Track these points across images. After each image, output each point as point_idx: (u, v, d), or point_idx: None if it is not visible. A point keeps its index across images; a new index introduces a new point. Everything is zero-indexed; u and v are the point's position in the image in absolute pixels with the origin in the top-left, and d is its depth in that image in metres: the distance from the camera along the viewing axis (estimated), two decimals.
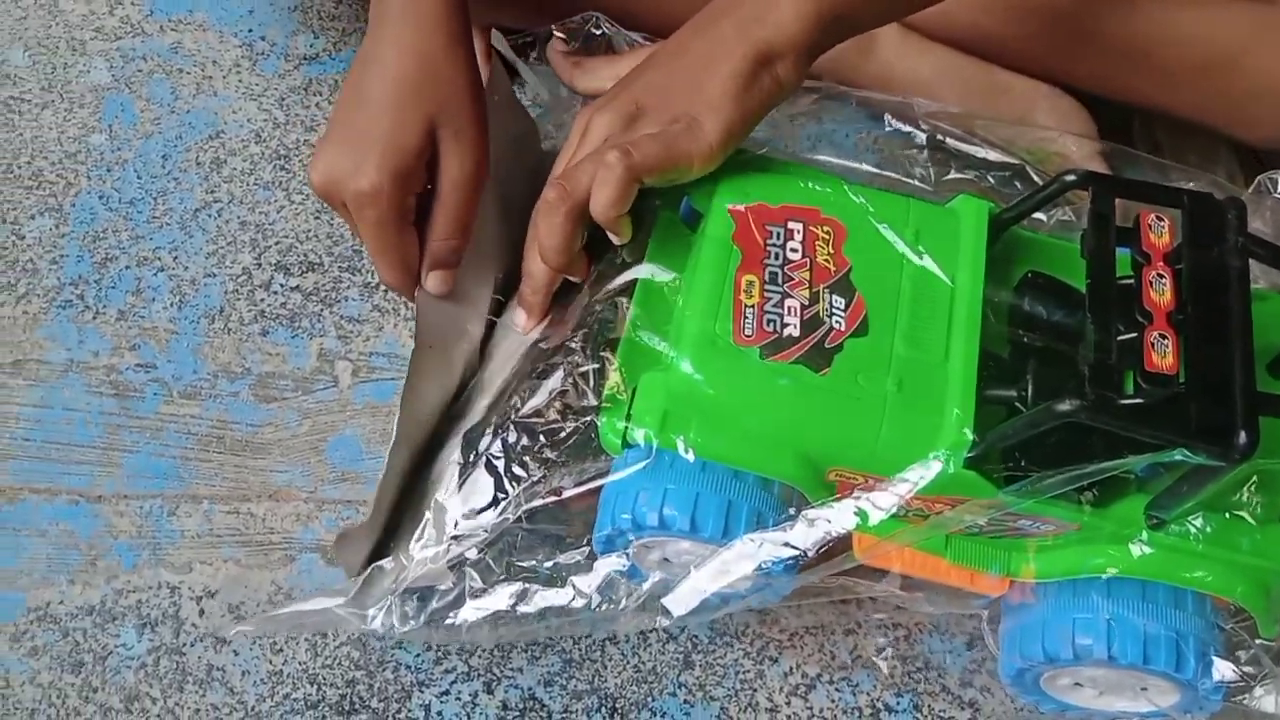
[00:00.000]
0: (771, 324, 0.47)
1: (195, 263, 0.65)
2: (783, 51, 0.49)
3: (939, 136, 0.60)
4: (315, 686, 0.54)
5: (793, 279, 0.48)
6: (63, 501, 0.58)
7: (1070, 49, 0.63)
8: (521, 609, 0.48)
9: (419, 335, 0.52)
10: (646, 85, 0.50)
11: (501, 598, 0.48)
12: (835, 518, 0.46)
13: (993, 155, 0.59)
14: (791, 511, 0.47)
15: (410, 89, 0.49)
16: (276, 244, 0.66)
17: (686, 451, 0.46)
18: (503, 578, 0.49)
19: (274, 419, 0.61)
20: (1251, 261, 0.46)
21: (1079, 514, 0.46)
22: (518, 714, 0.54)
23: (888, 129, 0.63)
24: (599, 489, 0.48)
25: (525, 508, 0.48)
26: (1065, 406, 0.42)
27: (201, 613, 0.56)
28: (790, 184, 0.52)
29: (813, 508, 0.47)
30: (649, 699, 0.55)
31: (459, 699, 0.54)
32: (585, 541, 0.50)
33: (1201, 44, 0.60)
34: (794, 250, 0.49)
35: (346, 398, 0.62)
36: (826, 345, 0.47)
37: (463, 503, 0.49)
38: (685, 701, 0.55)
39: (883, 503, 0.46)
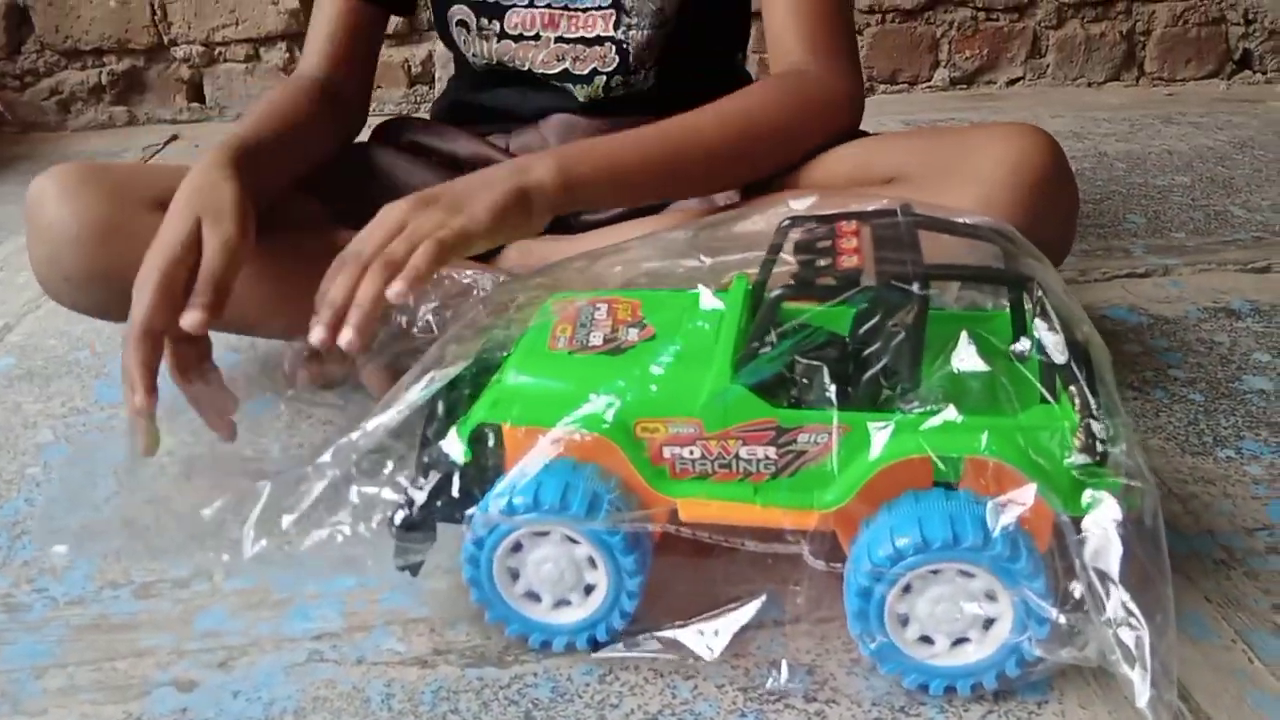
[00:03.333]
0: (579, 340, 0.61)
1: None
2: (535, 198, 0.69)
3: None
4: None
5: (597, 324, 0.63)
6: None
7: None
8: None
9: None
10: (437, 190, 0.70)
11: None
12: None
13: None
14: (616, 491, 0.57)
15: (184, 198, 0.72)
16: None
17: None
18: None
19: (150, 610, 0.66)
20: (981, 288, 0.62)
21: (830, 415, 0.56)
22: None
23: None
24: None
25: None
26: (779, 293, 0.55)
27: None
28: (602, 292, 0.68)
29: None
30: None
31: None
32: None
33: None
34: (600, 313, 0.64)
35: (218, 589, 0.68)
36: (621, 347, 0.61)
37: None
38: None
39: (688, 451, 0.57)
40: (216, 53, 1.88)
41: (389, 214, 0.69)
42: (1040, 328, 0.56)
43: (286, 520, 0.58)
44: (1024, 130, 0.75)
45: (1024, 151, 0.73)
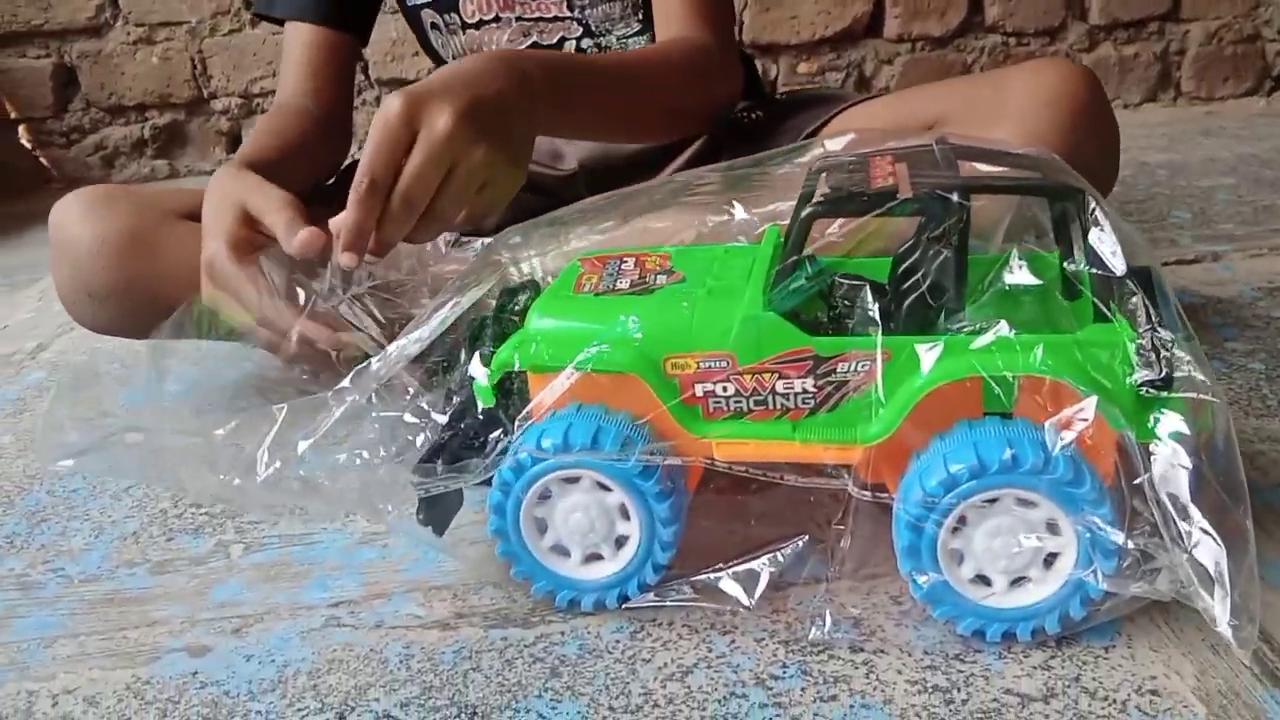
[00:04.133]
0: (605, 285, 0.59)
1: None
2: (531, 84, 0.69)
3: None
4: None
5: (624, 273, 0.60)
6: None
7: None
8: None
9: None
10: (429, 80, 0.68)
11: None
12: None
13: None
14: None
15: (215, 195, 0.75)
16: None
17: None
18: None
19: (164, 584, 0.64)
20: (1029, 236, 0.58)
21: (872, 340, 0.52)
22: None
23: None
24: None
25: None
26: (810, 210, 0.53)
27: (54, 703, 0.54)
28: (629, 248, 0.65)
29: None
30: (513, 703, 0.51)
31: None
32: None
33: None
34: (627, 265, 0.61)
35: (236, 564, 0.66)
36: (650, 289, 0.58)
37: None
38: (553, 701, 0.51)
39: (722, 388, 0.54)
40: (255, 104, 1.91)
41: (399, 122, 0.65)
42: (1096, 239, 0.52)
43: (303, 445, 0.56)
44: (1059, 63, 0.73)
45: (1061, 83, 0.71)
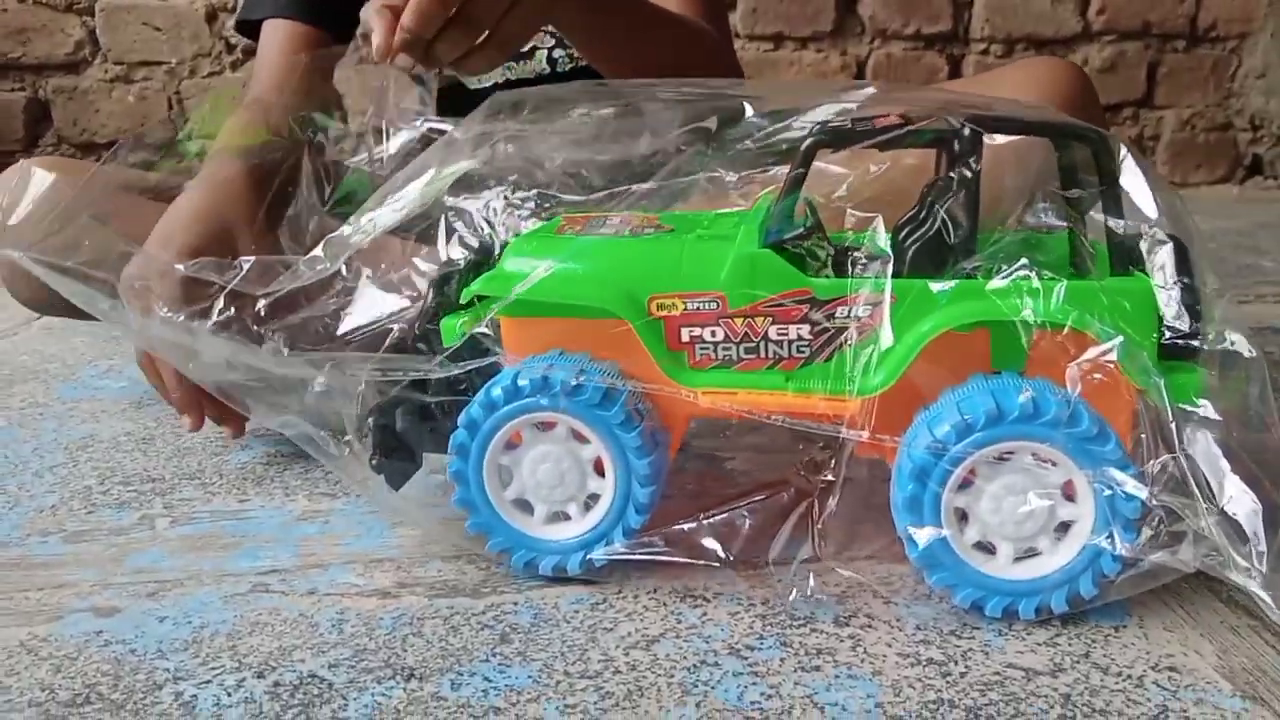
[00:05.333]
0: (589, 229, 0.55)
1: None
2: None
3: None
4: (47, 691, 0.45)
5: (610, 225, 0.56)
6: None
7: None
8: None
9: None
10: None
11: None
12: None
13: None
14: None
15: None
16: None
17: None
18: None
19: (78, 552, 0.58)
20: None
21: (875, 283, 0.49)
22: (291, 689, 0.44)
23: None
24: None
25: None
26: (812, 140, 0.49)
27: None
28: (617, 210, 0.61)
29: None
30: (455, 666, 0.46)
31: (221, 685, 0.45)
32: None
33: None
34: (613, 221, 0.57)
35: (161, 534, 0.60)
36: (636, 234, 0.54)
37: None
38: (501, 665, 0.46)
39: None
40: None
41: None
42: (1129, 183, 0.48)
43: (262, 301, 0.53)
44: (1051, 61, 0.72)
45: (1052, 78, 0.69)
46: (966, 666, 0.45)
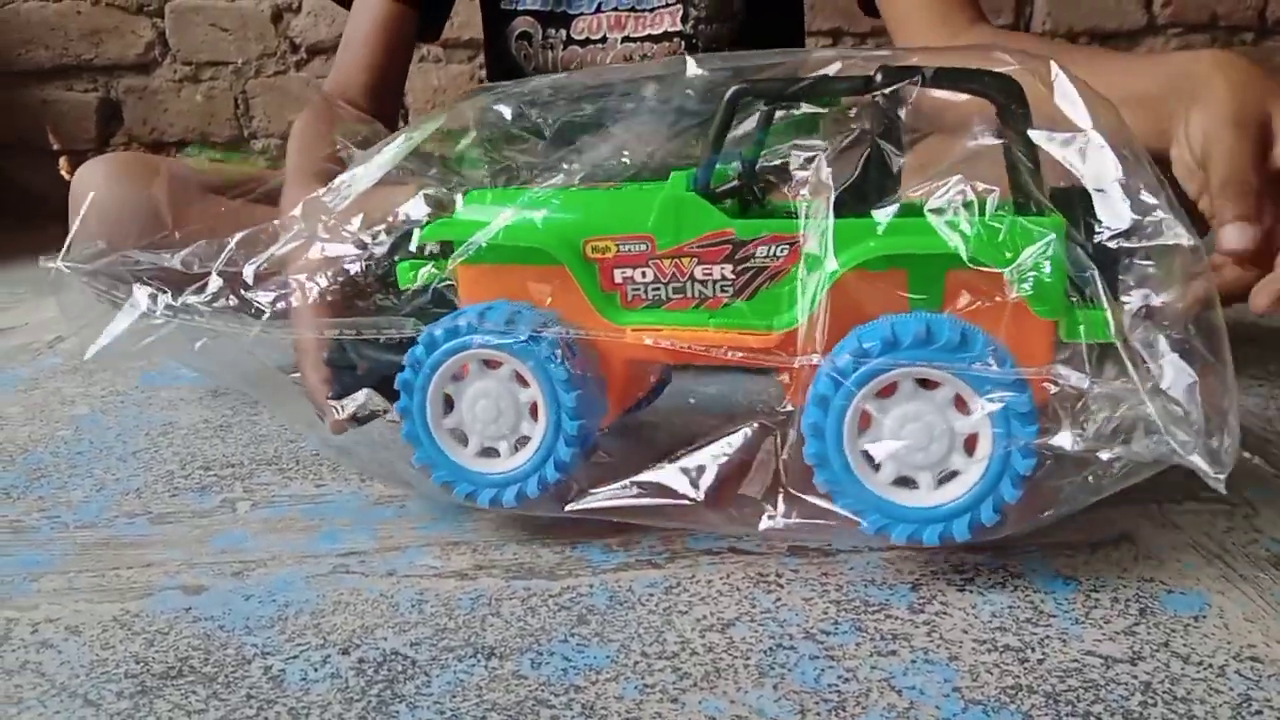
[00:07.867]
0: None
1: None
2: None
3: None
4: (142, 664, 0.46)
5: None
6: None
7: None
8: None
9: None
10: None
11: None
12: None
13: None
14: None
15: None
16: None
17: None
18: None
19: (164, 533, 0.60)
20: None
21: (792, 224, 0.50)
22: (375, 666, 0.45)
23: None
24: None
25: None
26: (737, 88, 0.50)
27: (34, 630, 0.49)
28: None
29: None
30: (535, 646, 0.46)
31: (308, 660, 0.46)
32: None
33: None
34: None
35: (242, 517, 0.61)
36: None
37: None
38: (579, 645, 0.46)
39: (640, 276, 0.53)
40: None
41: None
42: (1062, 104, 0.48)
43: (249, 270, 0.55)
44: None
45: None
46: (1044, 653, 0.45)
